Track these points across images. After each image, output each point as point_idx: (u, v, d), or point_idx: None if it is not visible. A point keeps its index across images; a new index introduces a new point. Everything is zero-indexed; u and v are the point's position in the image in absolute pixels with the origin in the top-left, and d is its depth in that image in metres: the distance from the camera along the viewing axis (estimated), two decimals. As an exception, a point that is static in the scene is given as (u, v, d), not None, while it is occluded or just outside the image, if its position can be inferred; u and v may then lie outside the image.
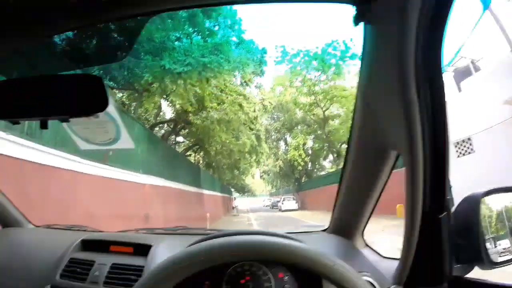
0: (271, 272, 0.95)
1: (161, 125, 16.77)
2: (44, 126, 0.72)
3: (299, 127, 32.94)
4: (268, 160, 31.80)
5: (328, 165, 35.57)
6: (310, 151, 33.82)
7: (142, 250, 1.12)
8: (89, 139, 0.99)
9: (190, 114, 12.84)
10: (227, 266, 0.95)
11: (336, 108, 28.81)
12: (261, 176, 41.03)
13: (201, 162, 20.94)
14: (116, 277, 1.01)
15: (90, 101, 0.69)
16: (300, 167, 32.53)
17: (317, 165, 35.56)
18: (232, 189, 32.02)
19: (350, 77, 27.22)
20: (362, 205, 1.07)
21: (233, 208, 29.36)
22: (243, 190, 33.42)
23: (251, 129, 16.04)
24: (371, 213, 1.11)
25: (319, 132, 31.11)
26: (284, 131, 34.57)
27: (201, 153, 20.07)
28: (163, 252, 1.09)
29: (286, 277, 0.95)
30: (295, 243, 0.62)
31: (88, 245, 1.22)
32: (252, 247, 0.60)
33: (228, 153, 16.26)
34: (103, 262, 1.07)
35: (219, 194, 22.75)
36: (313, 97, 28.81)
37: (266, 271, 0.96)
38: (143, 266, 1.03)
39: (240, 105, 14.21)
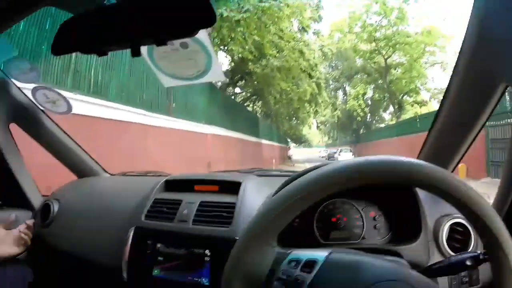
0: (363, 211, 0.91)
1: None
2: (136, 53, 0.61)
3: (358, 76, 31.81)
4: (325, 110, 31.31)
5: (388, 117, 34.29)
6: (369, 102, 32.72)
7: (229, 188, 1.08)
8: (175, 74, 0.92)
9: (250, 63, 12.67)
10: (318, 203, 0.90)
11: (399, 56, 27.20)
12: (318, 127, 40.74)
13: (259, 112, 21.04)
14: (206, 215, 0.98)
15: (192, 15, 0.56)
16: (359, 118, 31.77)
17: (376, 117, 34.48)
18: (289, 140, 32.12)
19: (415, 22, 25.12)
20: (459, 140, 0.95)
21: (288, 157, 29.61)
22: (300, 140, 33.47)
23: (311, 77, 15.56)
24: (466, 151, 0.98)
25: (379, 81, 29.93)
26: (343, 80, 33.58)
27: (259, 103, 20.13)
28: (253, 189, 1.05)
29: (378, 217, 0.90)
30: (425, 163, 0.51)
31: (171, 185, 1.20)
32: (386, 167, 0.51)
33: (287, 101, 16.09)
34: (191, 200, 1.04)
35: (276, 144, 22.96)
36: (373, 44, 27.29)
37: (358, 209, 0.92)
38: (234, 203, 0.98)
39: (301, 52, 13.76)
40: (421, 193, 0.87)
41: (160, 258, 0.93)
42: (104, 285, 1.16)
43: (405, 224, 0.87)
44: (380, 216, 0.91)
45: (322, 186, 0.51)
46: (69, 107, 1.28)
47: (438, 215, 0.87)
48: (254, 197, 1.00)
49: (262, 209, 0.55)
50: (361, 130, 35.44)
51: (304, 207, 0.53)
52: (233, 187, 1.06)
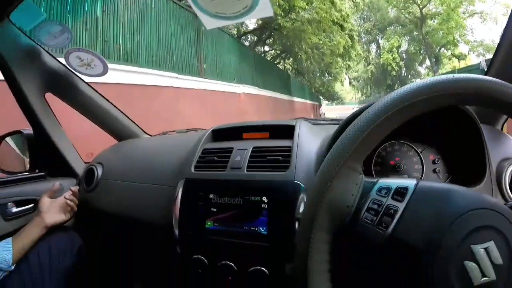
0: (422, 154, 0.86)
1: (246, 35, 16.38)
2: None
3: (392, 27, 30.36)
4: (358, 65, 30.29)
5: (424, 71, 32.80)
6: (404, 55, 31.27)
7: (281, 133, 1.03)
8: (219, 13, 0.81)
9: (279, 18, 12.14)
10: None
11: (435, 5, 25.39)
12: (350, 83, 39.64)
13: (290, 70, 20.57)
14: (260, 160, 0.92)
15: None
16: (393, 73, 30.58)
17: (412, 71, 33.02)
18: (321, 97, 31.47)
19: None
20: None
21: (320, 115, 29.22)
22: (332, 97, 32.75)
23: (343, 29, 14.81)
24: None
25: (415, 33, 28.70)
26: (376, 32, 32.27)
27: (290, 61, 19.63)
28: (308, 132, 0.99)
29: (437, 160, 0.84)
30: None
31: (219, 135, 1.14)
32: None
33: (319, 57, 15.56)
34: (242, 147, 0.98)
35: (308, 101, 22.62)
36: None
37: (417, 152, 0.86)
38: (290, 147, 0.93)
39: (332, 2, 13.00)
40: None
41: (213, 209, 0.88)
42: (155, 244, 1.15)
43: (465, 167, 0.81)
44: (440, 160, 0.85)
45: (412, 103, 0.49)
46: (105, 68, 1.21)
47: (499, 158, 0.80)
48: (311, 140, 0.95)
49: (349, 130, 0.52)
50: (396, 86, 33.99)
51: (392, 127, 0.51)
52: (285, 133, 1.01)
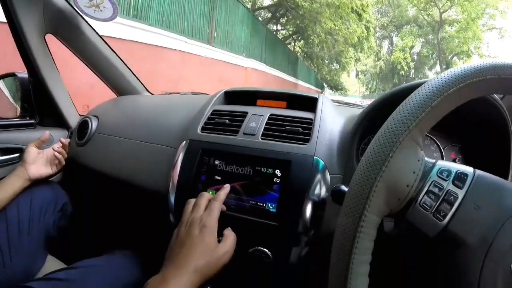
0: (444, 151, 0.80)
1: (260, 11, 16.02)
2: None
3: (408, 26, 29.92)
4: (368, 59, 29.97)
5: (433, 76, 32.48)
6: (416, 57, 30.99)
7: (300, 105, 0.94)
8: None
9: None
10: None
11: (456, 12, 24.98)
12: (357, 75, 39.35)
13: (299, 52, 20.29)
14: (278, 129, 0.83)
15: None
16: (402, 72, 30.42)
17: (420, 74, 32.79)
18: (325, 85, 31.29)
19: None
20: None
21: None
22: (336, 87, 32.53)
23: (361, 19, 14.51)
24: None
25: (430, 36, 28.39)
26: (391, 28, 31.93)
27: (301, 43, 19.34)
28: (332, 107, 0.90)
29: (458, 160, 0.79)
30: None
31: (231, 98, 1.05)
32: None
33: (332, 43, 15.32)
34: (259, 113, 0.89)
35: (313, 87, 22.42)
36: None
37: (439, 147, 0.80)
38: (311, 119, 0.84)
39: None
40: None
41: (217, 178, 0.79)
42: (147, 210, 1.06)
43: (487, 168, 0.72)
44: (460, 160, 0.80)
45: (499, 78, 0.41)
46: (115, 12, 1.09)
47: None
48: (334, 116, 0.86)
49: (420, 91, 0.43)
50: (402, 85, 33.95)
51: (466, 99, 0.43)
52: (305, 105, 0.92)
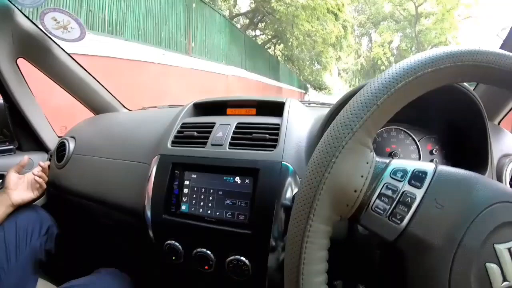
0: (420, 143, 0.80)
1: (237, 17, 16.11)
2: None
3: (385, 22, 30.35)
4: (348, 57, 30.31)
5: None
6: (395, 51, 31.50)
7: (269, 111, 0.94)
8: None
9: (273, 1, 11.97)
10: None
11: (431, 5, 25.44)
12: (339, 74, 39.68)
13: (280, 56, 20.43)
14: (245, 137, 0.83)
15: None
16: (383, 67, 30.83)
17: (401, 67, 33.32)
18: (309, 86, 31.48)
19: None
20: None
21: (307, 104, 29.32)
22: (320, 87, 32.71)
23: (337, 18, 14.71)
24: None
25: (408, 30, 28.95)
26: (369, 26, 32.38)
27: (280, 46, 19.48)
28: (300, 110, 0.90)
29: (435, 150, 0.79)
30: None
31: (200, 109, 1.06)
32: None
33: (311, 44, 15.48)
34: (226, 122, 0.89)
35: (296, 89, 22.53)
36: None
37: (414, 140, 0.80)
38: (278, 124, 0.84)
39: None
40: None
41: (189, 191, 0.81)
42: (127, 227, 1.06)
43: (465, 161, 0.74)
44: (438, 150, 0.79)
45: (451, 66, 0.39)
46: (82, 32, 1.10)
47: (500, 155, 0.76)
48: (302, 120, 0.86)
49: (364, 91, 0.41)
50: (384, 81, 34.38)
51: (417, 94, 0.41)
52: (274, 110, 0.92)
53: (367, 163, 0.42)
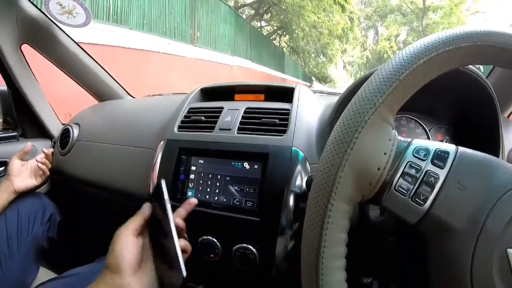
0: (430, 132, 0.79)
1: (243, 8, 15.98)
2: None
3: (392, 15, 29.99)
4: (354, 50, 30.08)
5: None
6: (402, 45, 31.27)
7: (278, 96, 0.92)
8: None
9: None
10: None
11: (439, -2, 24.94)
12: (344, 67, 39.39)
13: (285, 47, 20.29)
14: (254, 122, 0.82)
15: None
16: (389, 61, 30.54)
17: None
18: (313, 78, 31.34)
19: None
20: None
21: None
22: (325, 80, 32.52)
23: (344, 10, 14.56)
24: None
25: (415, 24, 28.67)
26: (376, 18, 31.99)
27: (286, 38, 19.34)
28: (309, 96, 0.89)
29: (445, 141, 0.77)
30: None
31: (207, 95, 1.04)
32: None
33: (317, 36, 15.37)
34: (234, 107, 0.88)
35: (301, 81, 22.41)
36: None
37: (425, 129, 0.80)
38: (288, 109, 0.82)
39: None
40: None
41: (196, 176, 0.79)
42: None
43: (477, 148, 0.71)
44: (448, 141, 0.78)
45: (480, 45, 0.37)
46: (88, 17, 1.08)
47: (510, 147, 0.74)
48: (312, 106, 0.85)
49: (387, 66, 0.39)
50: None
51: (433, 75, 0.39)
52: (283, 96, 0.90)
53: (389, 140, 0.40)
